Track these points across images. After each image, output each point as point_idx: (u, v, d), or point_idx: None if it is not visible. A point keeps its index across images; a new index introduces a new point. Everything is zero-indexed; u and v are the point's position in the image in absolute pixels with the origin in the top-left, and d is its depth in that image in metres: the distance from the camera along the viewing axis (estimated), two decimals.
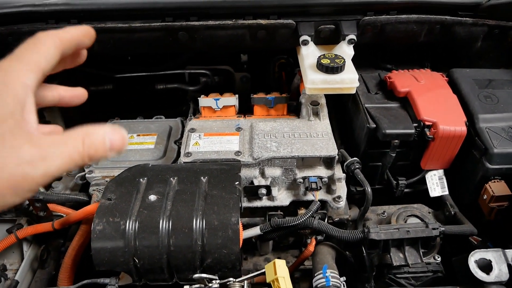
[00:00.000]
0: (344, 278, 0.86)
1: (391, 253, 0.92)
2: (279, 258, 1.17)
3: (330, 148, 1.00)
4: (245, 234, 0.94)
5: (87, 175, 1.12)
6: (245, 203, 1.02)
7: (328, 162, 1.02)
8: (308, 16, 1.09)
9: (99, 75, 1.42)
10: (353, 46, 1.10)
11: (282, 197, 1.03)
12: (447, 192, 1.10)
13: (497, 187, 0.99)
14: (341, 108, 1.28)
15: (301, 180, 1.00)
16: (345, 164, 1.02)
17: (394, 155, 1.08)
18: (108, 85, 1.47)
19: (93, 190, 1.09)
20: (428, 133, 1.03)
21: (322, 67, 1.01)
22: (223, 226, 0.81)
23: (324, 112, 1.13)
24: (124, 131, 0.48)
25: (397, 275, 0.97)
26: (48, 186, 1.20)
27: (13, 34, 1.06)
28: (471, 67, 1.22)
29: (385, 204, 1.12)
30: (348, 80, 1.01)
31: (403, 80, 1.14)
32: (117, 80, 1.46)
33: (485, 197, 1.01)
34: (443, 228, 0.91)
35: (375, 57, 1.33)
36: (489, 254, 0.80)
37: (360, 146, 1.11)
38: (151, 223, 0.81)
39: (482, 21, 1.14)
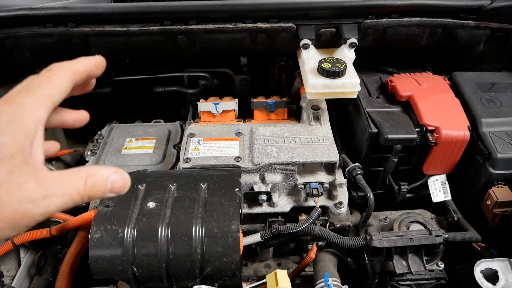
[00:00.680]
0: (346, 286, 0.84)
1: (394, 260, 0.91)
2: (279, 264, 1.16)
3: (331, 153, 0.99)
4: (245, 241, 0.92)
5: None
6: (245, 209, 1.00)
7: (329, 167, 1.01)
8: (308, 19, 1.08)
9: (97, 78, 1.40)
10: (354, 50, 1.09)
11: (283, 203, 1.01)
12: (450, 198, 1.09)
13: (500, 193, 0.98)
14: (342, 112, 1.27)
15: (302, 186, 0.99)
16: (347, 169, 1.01)
17: (396, 160, 1.07)
18: (106, 88, 1.46)
19: None
20: (430, 138, 1.02)
21: (323, 71, 1.00)
22: (223, 234, 0.80)
23: (325, 117, 1.12)
24: (127, 174, 0.48)
25: (399, 282, 0.95)
26: None
27: (10, 37, 1.05)
28: (473, 70, 1.21)
29: (387, 209, 1.11)
30: (350, 84, 1.00)
31: (405, 84, 1.13)
32: (115, 83, 1.45)
33: (488, 202, 1.00)
34: (446, 236, 0.90)
35: (376, 60, 1.32)
36: (495, 264, 0.79)
37: (361, 151, 1.10)
38: (150, 231, 0.80)
39: (484, 24, 1.12)
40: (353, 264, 1.01)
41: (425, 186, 1.12)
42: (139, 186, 0.89)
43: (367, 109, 1.10)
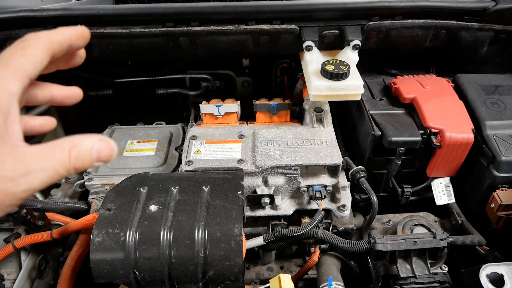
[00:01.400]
0: None
1: (398, 264, 0.90)
2: (282, 267, 1.15)
3: (334, 156, 0.99)
4: (248, 244, 0.92)
5: (86, 183, 1.10)
6: (248, 212, 1.00)
7: (332, 170, 1.01)
8: (311, 21, 1.07)
9: (98, 80, 1.40)
10: (357, 51, 1.08)
11: (286, 206, 1.01)
12: (453, 200, 1.08)
13: (505, 196, 0.97)
14: (345, 114, 1.26)
15: (305, 188, 0.98)
16: (350, 172, 1.01)
17: (399, 162, 1.06)
18: (107, 90, 1.45)
19: (93, 198, 1.07)
20: (434, 140, 1.01)
21: (327, 74, 0.99)
22: (226, 238, 0.79)
23: (328, 119, 1.11)
24: (113, 141, 0.45)
25: (403, 286, 0.94)
26: (46, 194, 1.18)
27: (11, 39, 1.04)
28: (476, 72, 1.20)
29: (390, 212, 1.10)
30: (353, 86, 1.00)
31: (408, 86, 1.12)
32: (116, 85, 1.44)
33: (492, 205, 0.99)
34: (451, 239, 0.89)
35: (379, 62, 1.31)
36: (501, 268, 0.78)
37: (364, 154, 1.09)
38: (152, 234, 0.79)
39: (488, 26, 1.12)
40: (356, 268, 1.00)
41: (429, 189, 1.11)
42: (141, 189, 0.89)
43: (371, 112, 1.09)
